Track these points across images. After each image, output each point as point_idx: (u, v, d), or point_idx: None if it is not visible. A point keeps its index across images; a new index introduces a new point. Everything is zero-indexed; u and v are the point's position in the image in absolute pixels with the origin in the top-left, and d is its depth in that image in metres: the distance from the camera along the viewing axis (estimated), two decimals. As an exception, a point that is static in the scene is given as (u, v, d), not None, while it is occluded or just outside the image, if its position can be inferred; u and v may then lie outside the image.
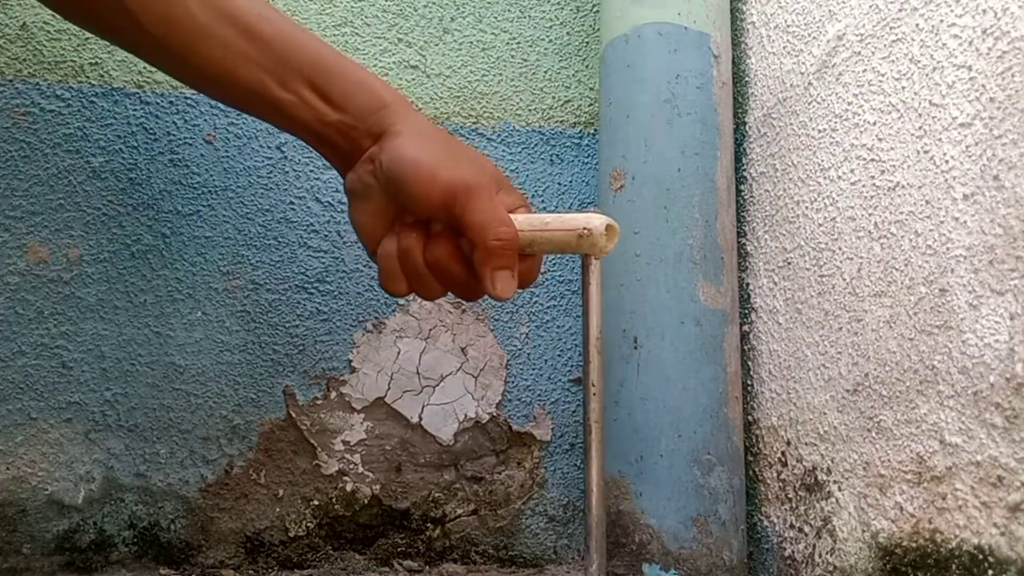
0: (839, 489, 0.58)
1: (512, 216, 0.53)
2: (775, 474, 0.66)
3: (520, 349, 0.76)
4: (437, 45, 0.77)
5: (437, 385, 0.73)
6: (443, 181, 0.51)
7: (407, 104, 0.56)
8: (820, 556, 0.59)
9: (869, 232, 0.57)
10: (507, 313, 0.76)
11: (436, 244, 0.53)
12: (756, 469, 0.69)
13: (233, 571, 0.67)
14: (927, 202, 0.52)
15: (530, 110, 0.79)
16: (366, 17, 0.76)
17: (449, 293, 0.56)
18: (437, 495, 0.72)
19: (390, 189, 0.53)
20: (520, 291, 0.72)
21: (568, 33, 0.81)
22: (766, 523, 0.67)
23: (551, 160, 0.78)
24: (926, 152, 0.52)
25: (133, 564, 0.66)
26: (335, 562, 0.69)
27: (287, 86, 0.54)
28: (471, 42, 0.78)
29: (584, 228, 0.53)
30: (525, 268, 0.54)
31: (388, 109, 0.54)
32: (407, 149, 0.53)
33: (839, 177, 0.60)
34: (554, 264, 0.77)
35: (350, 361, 0.72)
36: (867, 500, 0.55)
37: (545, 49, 0.80)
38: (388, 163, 0.53)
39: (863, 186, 0.58)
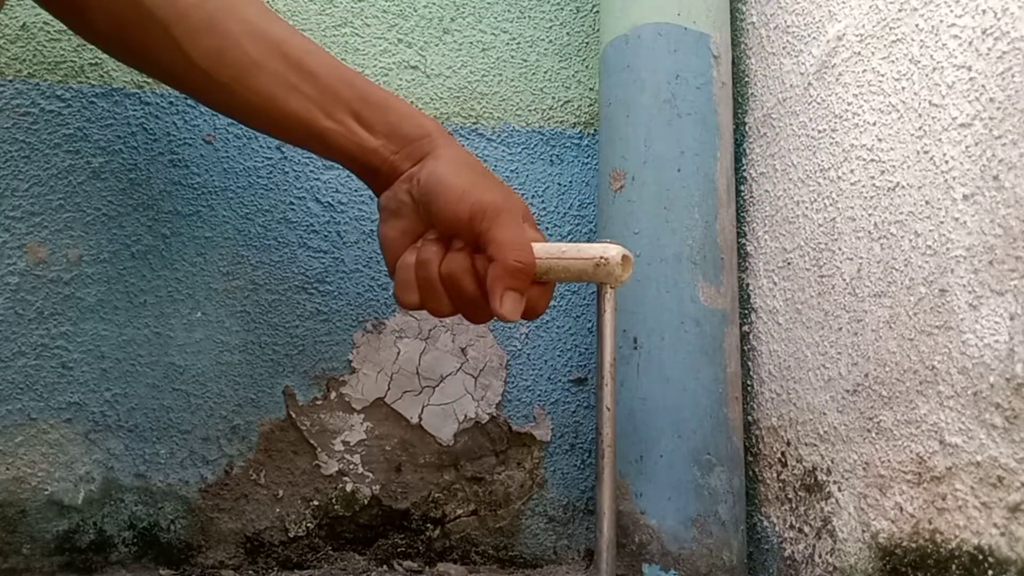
0: (839, 489, 0.58)
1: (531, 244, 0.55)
2: (775, 474, 0.66)
3: (520, 349, 0.76)
4: (437, 45, 0.77)
5: (437, 385, 0.73)
6: (473, 197, 0.54)
7: (448, 134, 0.60)
8: (820, 556, 0.59)
9: (869, 232, 0.57)
10: (507, 313, 0.76)
11: (453, 258, 0.56)
12: (756, 469, 0.69)
13: (233, 571, 0.67)
14: (927, 202, 0.52)
15: (530, 110, 0.79)
16: (366, 17, 0.76)
17: (457, 315, 0.57)
18: (437, 495, 0.72)
19: (422, 202, 0.56)
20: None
21: (568, 33, 0.81)
22: (766, 523, 0.67)
23: (551, 160, 0.78)
24: (926, 152, 0.52)
25: (133, 564, 0.66)
26: (335, 562, 0.69)
27: (332, 116, 0.57)
28: (471, 42, 0.78)
29: (601, 257, 0.54)
30: (536, 295, 0.56)
31: (430, 138, 0.58)
32: (445, 168, 0.56)
33: (839, 177, 0.60)
34: (554, 264, 0.77)
35: (350, 361, 0.72)
36: (867, 500, 0.55)
37: (545, 49, 0.80)
38: (425, 179, 0.56)
39: (863, 186, 0.58)
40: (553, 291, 0.59)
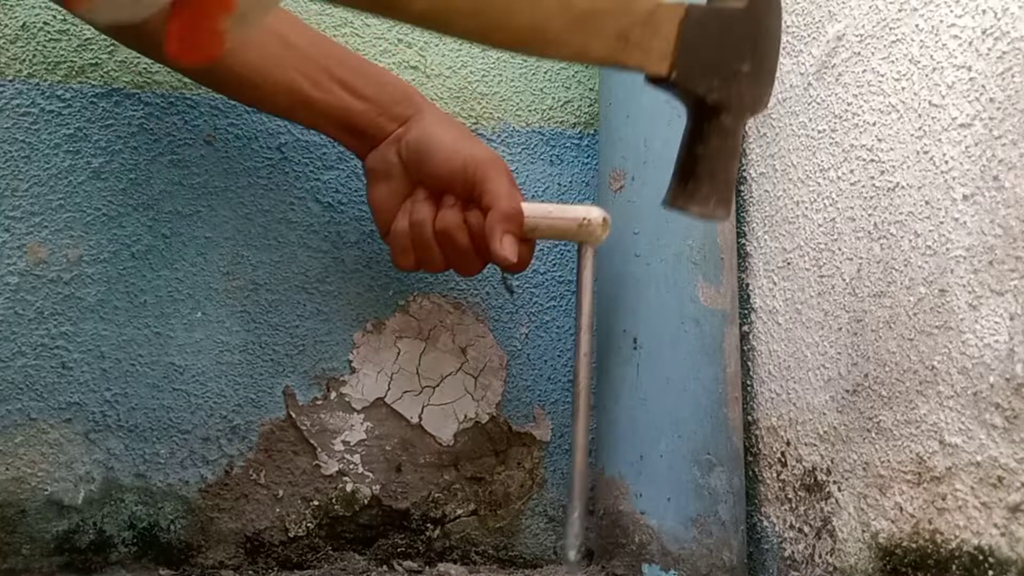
0: (839, 489, 0.58)
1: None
2: (775, 474, 0.66)
3: (520, 349, 0.76)
4: (437, 45, 0.77)
5: (437, 385, 0.73)
6: (466, 152, 0.60)
7: (427, 99, 0.65)
8: (820, 556, 0.59)
9: (869, 232, 0.57)
10: (507, 313, 0.76)
11: (446, 214, 0.60)
12: (756, 469, 0.69)
13: (233, 571, 0.67)
14: (927, 202, 0.52)
15: (530, 110, 0.79)
16: (366, 17, 0.76)
17: (448, 269, 0.62)
18: (437, 495, 0.72)
19: (412, 161, 0.61)
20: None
21: (568, 33, 0.81)
22: (766, 523, 0.67)
23: (551, 161, 0.78)
24: (926, 152, 0.52)
25: (133, 565, 0.66)
26: (335, 562, 0.69)
27: (319, 85, 0.61)
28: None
29: (584, 218, 0.60)
30: (523, 251, 0.60)
31: (412, 100, 0.63)
32: (433, 127, 0.61)
33: (839, 177, 0.60)
34: (553, 264, 0.77)
35: (350, 361, 0.72)
36: (867, 500, 0.55)
37: (545, 49, 0.80)
38: (415, 138, 0.61)
39: (863, 186, 0.58)
40: (534, 249, 0.63)
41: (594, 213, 0.60)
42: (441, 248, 0.61)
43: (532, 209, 0.60)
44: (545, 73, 0.80)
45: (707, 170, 0.49)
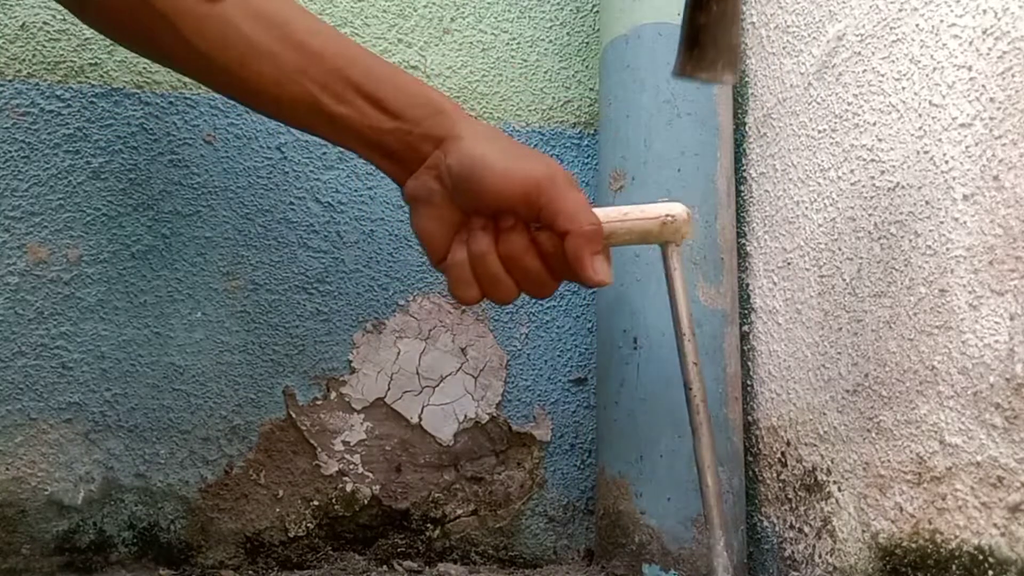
0: (839, 489, 0.58)
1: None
2: (775, 474, 0.66)
3: (520, 349, 0.76)
4: (437, 45, 0.77)
5: (437, 385, 0.73)
6: (521, 174, 0.52)
7: (462, 110, 0.57)
8: (820, 556, 0.59)
9: (869, 232, 0.57)
10: (507, 313, 0.76)
11: (509, 240, 0.53)
12: (756, 469, 0.69)
13: (233, 571, 0.67)
14: (927, 202, 0.52)
15: (530, 110, 0.79)
16: (366, 17, 0.76)
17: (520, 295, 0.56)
18: (437, 495, 0.72)
19: (460, 188, 0.53)
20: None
21: (568, 33, 0.81)
22: (766, 523, 0.67)
23: (551, 160, 0.78)
24: (926, 152, 0.52)
25: (133, 565, 0.66)
26: (335, 562, 0.69)
27: (342, 99, 0.54)
28: (471, 42, 0.78)
29: (667, 215, 0.54)
30: None
31: (445, 114, 0.55)
32: (475, 149, 0.53)
33: (839, 177, 0.60)
34: (554, 264, 0.77)
35: (350, 361, 0.72)
36: (867, 500, 0.55)
37: (545, 49, 0.80)
38: (457, 164, 0.53)
39: (863, 186, 0.58)
40: (611, 258, 0.57)
41: (677, 209, 0.54)
42: (511, 275, 0.54)
43: (606, 214, 0.54)
44: (545, 73, 0.80)
45: (710, 37, 0.50)
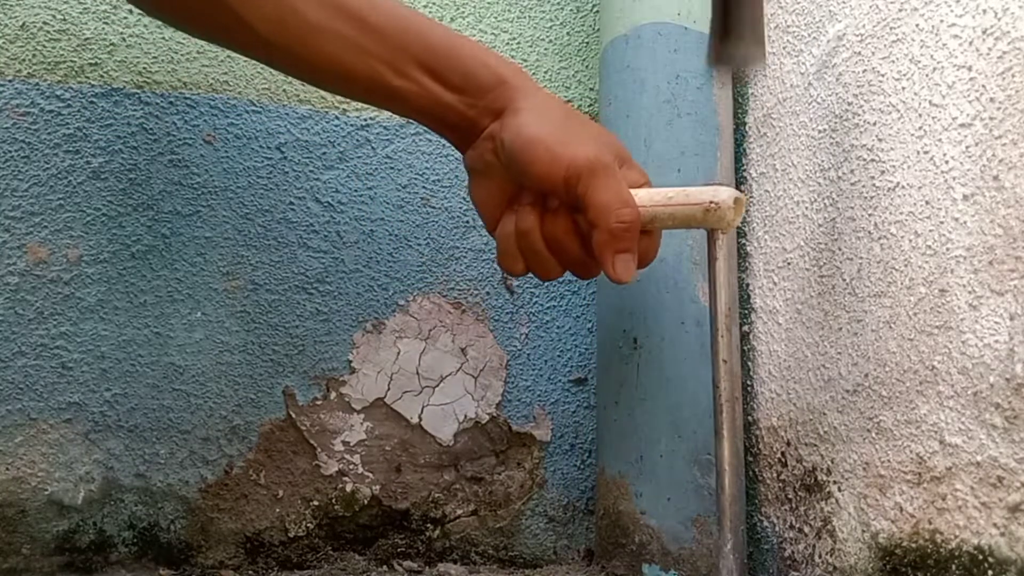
0: (839, 490, 0.58)
1: (633, 192, 0.52)
2: (775, 474, 0.66)
3: (520, 349, 0.76)
4: (437, 45, 0.77)
5: (437, 385, 0.73)
6: (565, 160, 0.51)
7: (527, 78, 0.56)
8: (820, 556, 0.59)
9: (869, 232, 0.57)
10: (507, 313, 0.76)
11: (554, 221, 0.54)
12: (756, 469, 0.68)
13: (233, 571, 0.67)
14: (927, 202, 0.52)
15: (530, 110, 0.79)
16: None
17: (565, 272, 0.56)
18: (437, 495, 0.72)
19: (511, 167, 0.54)
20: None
21: (568, 33, 0.81)
22: (766, 523, 0.67)
23: (551, 160, 0.78)
24: (926, 152, 0.52)
25: (133, 565, 0.66)
26: (335, 562, 0.69)
27: (403, 73, 0.54)
28: (471, 42, 0.78)
29: (711, 201, 0.52)
30: (643, 247, 0.54)
31: (507, 85, 0.54)
32: (528, 128, 0.53)
33: (839, 177, 0.60)
34: (554, 264, 0.77)
35: (350, 361, 0.72)
36: (867, 500, 0.55)
37: (545, 49, 0.80)
38: (509, 142, 0.53)
39: (863, 186, 0.58)
40: (660, 238, 0.56)
41: (723, 195, 0.52)
42: (554, 255, 0.55)
43: (649, 196, 0.52)
44: (545, 73, 0.80)
45: (742, 21, 0.51)
